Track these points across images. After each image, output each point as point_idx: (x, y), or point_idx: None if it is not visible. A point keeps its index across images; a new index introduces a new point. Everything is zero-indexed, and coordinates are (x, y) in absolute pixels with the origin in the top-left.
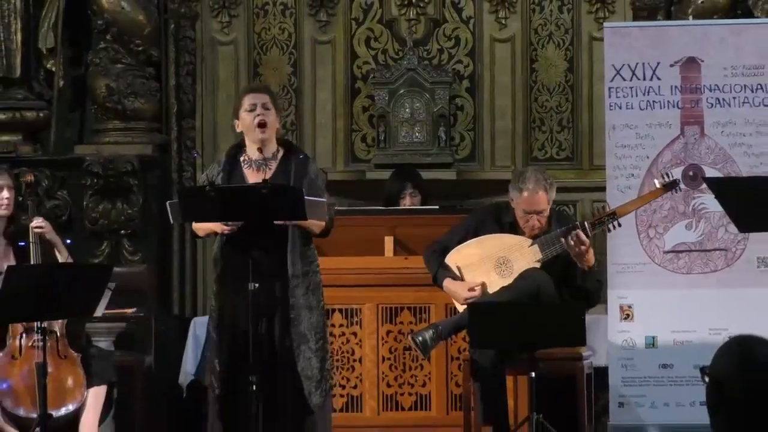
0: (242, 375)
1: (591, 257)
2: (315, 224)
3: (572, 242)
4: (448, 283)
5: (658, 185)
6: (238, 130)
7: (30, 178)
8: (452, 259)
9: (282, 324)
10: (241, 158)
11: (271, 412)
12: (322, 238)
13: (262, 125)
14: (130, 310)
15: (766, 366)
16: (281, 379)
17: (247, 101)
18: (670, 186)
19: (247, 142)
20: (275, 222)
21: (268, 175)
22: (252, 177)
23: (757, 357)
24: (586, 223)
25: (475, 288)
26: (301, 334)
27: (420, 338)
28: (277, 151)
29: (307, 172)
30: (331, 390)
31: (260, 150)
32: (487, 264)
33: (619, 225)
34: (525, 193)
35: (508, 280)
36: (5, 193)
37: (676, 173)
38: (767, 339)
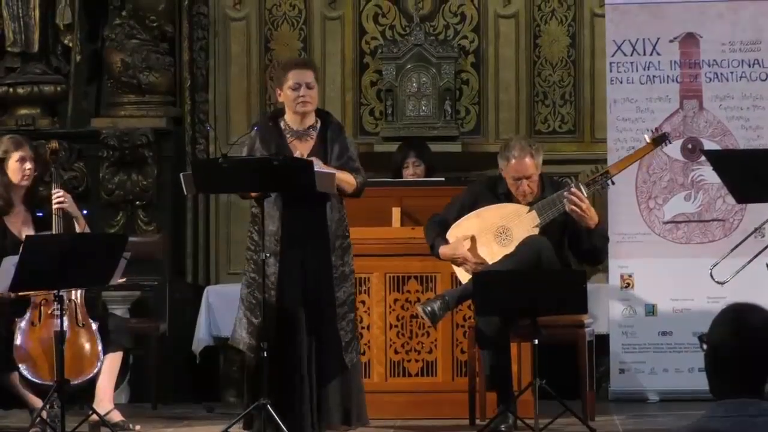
0: (286, 337)
1: (594, 215)
2: (345, 182)
3: (572, 205)
4: (443, 249)
5: (648, 139)
6: (280, 99)
7: (54, 145)
8: (453, 233)
9: (328, 281)
10: (282, 125)
11: (316, 370)
12: (355, 197)
13: (304, 104)
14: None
15: (758, 331)
16: (324, 338)
17: (292, 78)
18: (660, 140)
19: (288, 112)
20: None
21: (310, 144)
22: (297, 147)
23: (750, 323)
24: (580, 184)
25: (464, 243)
26: (339, 296)
27: (428, 309)
28: (316, 121)
29: (340, 139)
30: (359, 349)
31: (300, 119)
32: (487, 234)
33: (613, 183)
34: (512, 161)
35: (509, 249)
36: (28, 164)
37: (676, 146)
38: (760, 306)
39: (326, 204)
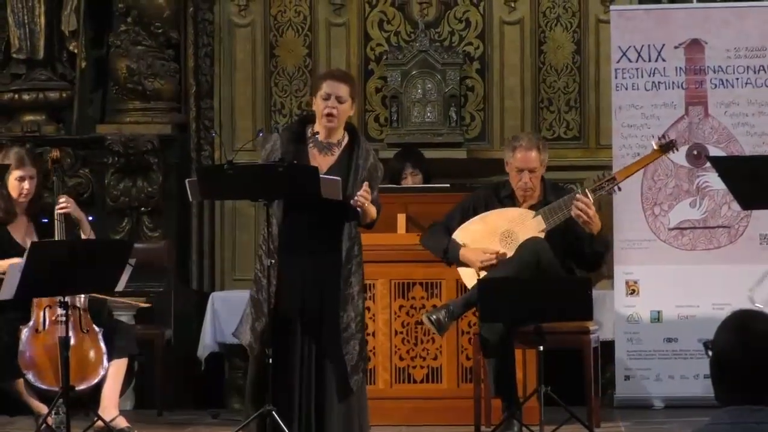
0: (282, 345)
1: (598, 222)
2: (369, 215)
3: (577, 210)
4: (464, 251)
5: (655, 146)
6: (313, 108)
7: (56, 154)
8: (458, 237)
9: (332, 302)
10: (309, 133)
11: (318, 389)
12: (366, 228)
13: (329, 117)
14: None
15: (764, 338)
16: (328, 361)
17: (325, 89)
18: (667, 147)
19: (317, 121)
20: (327, 201)
21: (331, 159)
22: (317, 159)
23: (755, 330)
24: (587, 190)
25: (490, 253)
26: (347, 314)
27: (435, 317)
28: (343, 137)
29: (368, 162)
30: (367, 371)
31: (326, 133)
32: (493, 238)
33: (619, 189)
34: (518, 152)
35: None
36: (26, 184)
37: (681, 152)
38: (765, 313)
39: (344, 223)
